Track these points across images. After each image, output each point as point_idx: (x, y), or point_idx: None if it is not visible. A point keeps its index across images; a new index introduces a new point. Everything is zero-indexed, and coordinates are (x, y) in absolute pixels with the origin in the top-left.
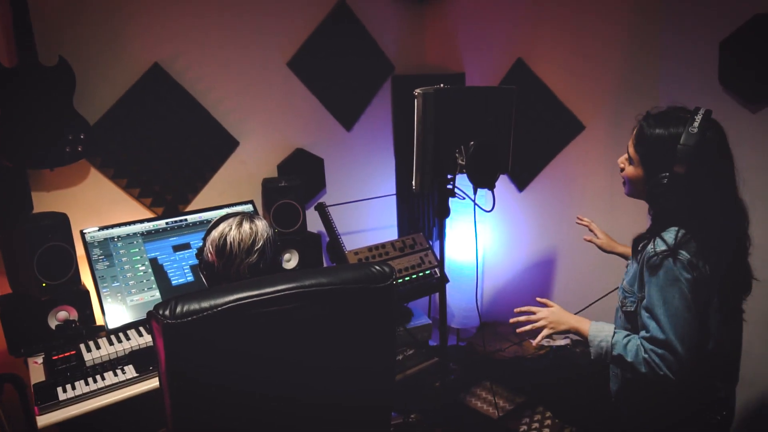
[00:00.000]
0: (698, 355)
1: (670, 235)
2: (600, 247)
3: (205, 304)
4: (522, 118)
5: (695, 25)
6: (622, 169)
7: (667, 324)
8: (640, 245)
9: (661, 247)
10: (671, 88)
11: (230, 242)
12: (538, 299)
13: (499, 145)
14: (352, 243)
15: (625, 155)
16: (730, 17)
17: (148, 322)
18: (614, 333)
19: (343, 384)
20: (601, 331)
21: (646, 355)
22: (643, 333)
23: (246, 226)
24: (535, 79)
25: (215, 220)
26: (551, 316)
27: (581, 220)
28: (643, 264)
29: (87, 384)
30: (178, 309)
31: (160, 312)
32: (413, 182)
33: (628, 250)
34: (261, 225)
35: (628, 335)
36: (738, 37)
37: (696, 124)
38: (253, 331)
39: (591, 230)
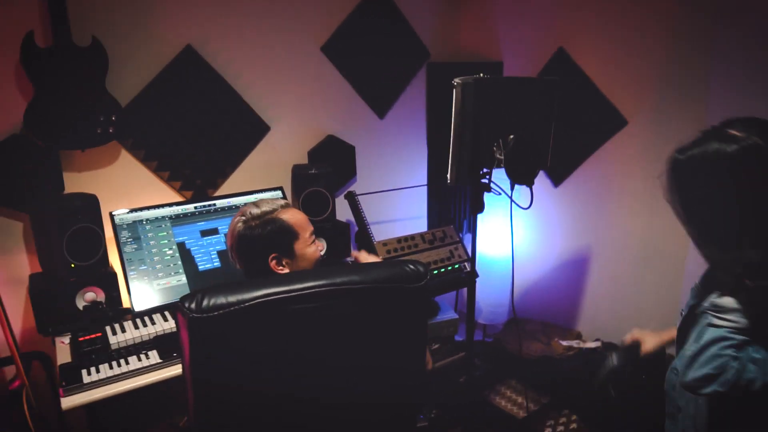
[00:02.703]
0: None
1: None
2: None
3: (232, 299)
4: (561, 110)
5: (753, 17)
6: None
7: None
8: None
9: None
10: (723, 81)
11: None
12: None
13: (539, 139)
14: (380, 233)
15: None
16: None
17: (173, 314)
18: None
19: (372, 383)
20: None
21: None
22: None
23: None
24: (576, 70)
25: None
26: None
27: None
28: None
29: (111, 368)
30: (205, 303)
31: (186, 305)
32: (448, 175)
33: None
34: (233, 223)
35: None
36: None
37: None
38: (280, 328)
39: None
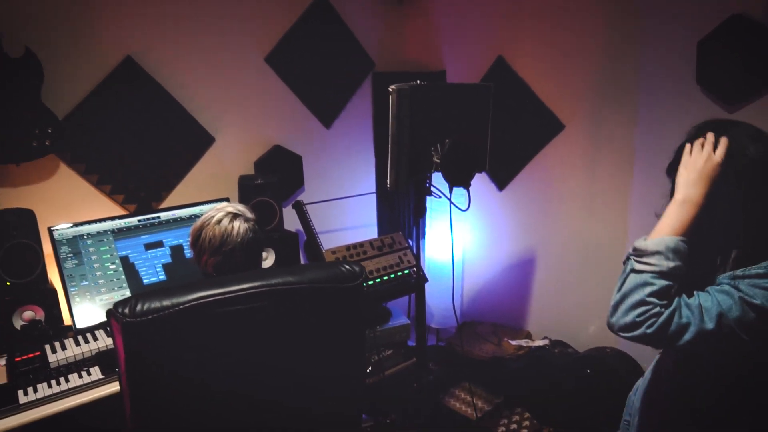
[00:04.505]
0: None
1: None
2: None
3: (166, 302)
4: (502, 116)
5: (674, 25)
6: None
7: None
8: None
9: None
10: (650, 88)
11: (203, 236)
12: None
13: (476, 143)
14: (330, 242)
15: None
16: (708, 17)
17: (107, 320)
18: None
19: (312, 383)
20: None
21: None
22: None
23: (224, 223)
24: (515, 78)
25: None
26: (695, 163)
27: None
28: None
29: (50, 386)
30: (139, 307)
31: (120, 310)
32: (388, 180)
33: None
34: (239, 227)
35: None
36: (715, 37)
37: None
38: (217, 329)
39: None
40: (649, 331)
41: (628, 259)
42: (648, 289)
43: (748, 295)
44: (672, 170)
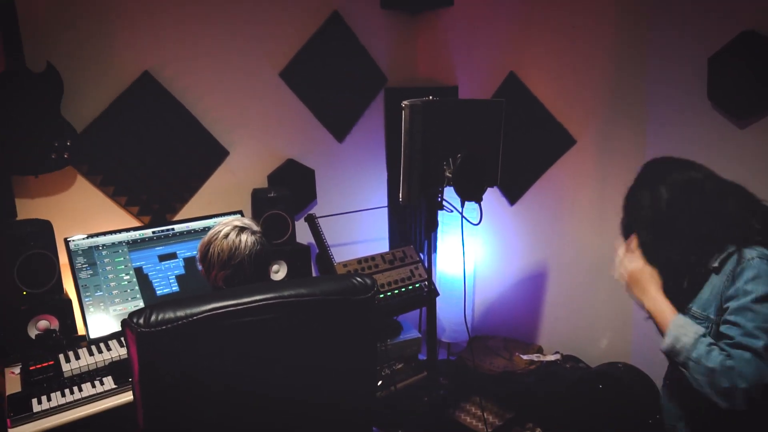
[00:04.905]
0: None
1: None
2: None
3: (180, 313)
4: (514, 131)
5: (684, 41)
6: None
7: None
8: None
9: None
10: (660, 103)
11: (211, 251)
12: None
13: (488, 157)
14: (342, 255)
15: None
16: (718, 34)
17: (122, 330)
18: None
19: (323, 395)
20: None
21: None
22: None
23: (231, 237)
24: (527, 93)
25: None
26: (633, 272)
27: None
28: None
29: (63, 395)
30: (153, 317)
31: (134, 320)
32: (400, 194)
33: None
34: (246, 240)
35: None
36: (726, 53)
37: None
38: (230, 340)
39: None
40: (744, 384)
41: (676, 367)
42: (703, 361)
43: (750, 292)
44: (624, 228)
